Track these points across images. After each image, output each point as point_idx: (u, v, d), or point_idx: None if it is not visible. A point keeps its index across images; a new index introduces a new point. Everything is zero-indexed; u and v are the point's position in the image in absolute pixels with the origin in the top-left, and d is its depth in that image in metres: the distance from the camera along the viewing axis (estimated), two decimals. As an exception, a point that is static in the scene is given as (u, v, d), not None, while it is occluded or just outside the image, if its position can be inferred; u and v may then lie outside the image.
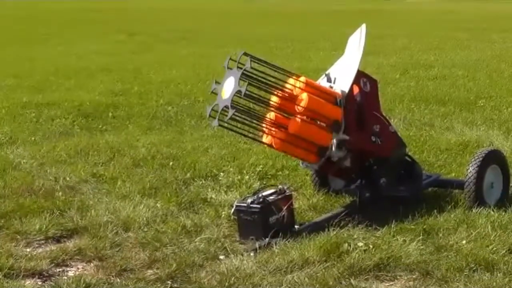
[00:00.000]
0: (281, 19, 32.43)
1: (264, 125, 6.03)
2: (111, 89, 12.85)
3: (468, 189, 6.23)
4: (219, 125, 5.88)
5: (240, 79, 5.79)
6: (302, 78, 6.10)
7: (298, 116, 5.95)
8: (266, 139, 6.13)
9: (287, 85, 6.10)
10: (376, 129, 6.28)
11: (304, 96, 5.94)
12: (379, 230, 5.78)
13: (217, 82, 6.06)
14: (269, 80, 5.97)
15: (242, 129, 6.06)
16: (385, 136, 6.33)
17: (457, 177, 7.00)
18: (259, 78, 5.89)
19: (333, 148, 6.03)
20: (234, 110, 5.73)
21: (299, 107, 5.94)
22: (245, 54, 5.90)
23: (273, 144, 6.08)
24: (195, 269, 5.21)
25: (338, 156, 6.09)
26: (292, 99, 6.01)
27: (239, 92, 5.74)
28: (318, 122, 6.03)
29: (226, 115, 5.77)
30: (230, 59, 5.99)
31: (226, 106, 5.76)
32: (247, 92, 5.74)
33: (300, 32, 25.37)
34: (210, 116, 5.96)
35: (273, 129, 6.03)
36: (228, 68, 5.99)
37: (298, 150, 6.06)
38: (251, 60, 5.84)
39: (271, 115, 6.07)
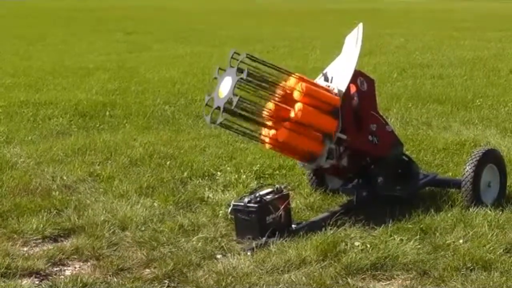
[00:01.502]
0: (279, 19, 32.43)
1: (260, 126, 6.02)
2: (108, 88, 12.84)
3: (465, 188, 6.23)
4: (216, 124, 5.87)
5: (235, 86, 5.75)
6: (303, 85, 6.03)
7: (288, 126, 5.90)
8: (262, 138, 6.12)
9: (284, 85, 6.08)
10: (373, 129, 6.29)
11: (299, 106, 5.89)
12: (376, 229, 5.78)
13: (209, 95, 6.04)
14: (266, 80, 5.96)
15: (239, 129, 6.06)
16: (382, 135, 6.34)
17: (454, 177, 7.00)
18: (256, 78, 5.87)
19: (323, 158, 6.06)
20: (238, 98, 5.68)
21: (292, 116, 5.90)
22: (236, 53, 5.89)
23: (269, 144, 6.07)
24: (192, 269, 5.21)
25: (328, 164, 6.13)
26: (288, 100, 5.98)
27: (240, 80, 5.71)
28: (311, 132, 6.00)
29: (223, 115, 5.76)
30: (232, 57, 5.97)
31: (218, 108, 5.75)
32: (247, 83, 5.73)
33: (298, 31, 25.37)
34: (207, 104, 5.94)
35: (269, 129, 6.02)
36: (230, 66, 5.96)
37: (294, 149, 6.05)
38: (248, 58, 5.83)
39: (267, 114, 6.05)
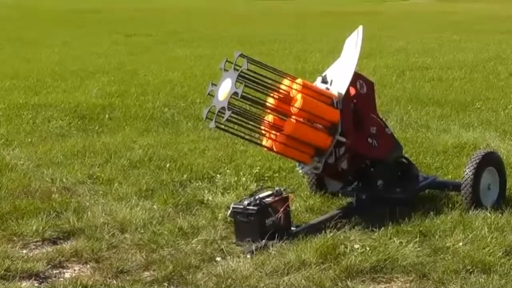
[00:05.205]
0: (278, 20, 32.43)
1: (261, 127, 6.03)
2: (107, 90, 12.83)
3: (465, 191, 6.23)
4: (216, 126, 5.89)
5: (236, 80, 5.79)
6: (299, 80, 6.10)
7: (294, 117, 5.95)
8: (262, 141, 6.13)
9: (284, 87, 6.09)
10: (373, 131, 6.29)
11: (299, 97, 5.94)
12: (375, 232, 5.78)
13: (213, 84, 6.06)
14: (266, 82, 5.98)
15: (239, 131, 6.07)
16: (382, 138, 6.34)
17: (454, 179, 7.00)
18: (256, 80, 5.90)
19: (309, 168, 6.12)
20: (230, 111, 5.73)
21: (294, 108, 5.94)
22: (242, 55, 5.91)
23: (270, 146, 6.08)
24: (192, 271, 5.21)
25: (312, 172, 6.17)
26: (288, 100, 6.01)
27: (235, 94, 5.74)
28: (315, 124, 6.03)
29: (223, 117, 5.77)
30: (227, 60, 6.00)
31: (222, 108, 5.76)
32: (243, 94, 5.75)
33: (298, 33, 25.37)
34: (207, 117, 5.97)
35: (270, 131, 6.03)
36: (224, 70, 5.99)
37: (295, 152, 6.06)
38: (248, 62, 5.84)
39: (268, 117, 6.07)
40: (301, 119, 5.97)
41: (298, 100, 5.93)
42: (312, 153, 6.07)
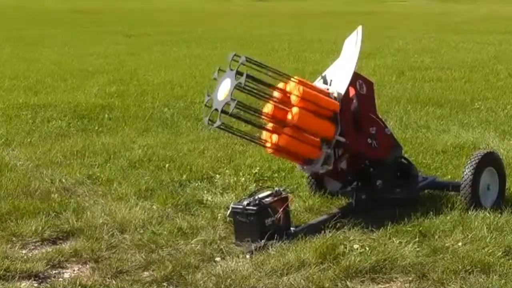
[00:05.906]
0: (278, 21, 32.44)
1: (265, 118, 6.01)
2: (107, 90, 12.83)
3: (464, 191, 6.23)
4: (218, 126, 5.83)
5: (236, 78, 5.78)
6: (295, 78, 6.07)
7: (288, 129, 5.91)
8: (265, 143, 6.11)
9: (281, 83, 6.08)
10: (372, 131, 6.29)
11: (297, 88, 5.91)
12: (375, 232, 5.79)
13: (208, 95, 6.05)
14: (265, 83, 5.97)
15: (239, 131, 6.07)
16: (381, 138, 6.34)
17: (453, 179, 7.00)
18: (255, 81, 5.89)
19: (319, 163, 6.06)
20: (235, 102, 5.68)
21: (294, 97, 5.90)
22: (236, 56, 5.91)
23: (274, 144, 6.04)
24: (191, 271, 5.21)
25: (324, 169, 6.12)
26: (288, 95, 5.98)
27: (239, 84, 5.72)
28: (309, 137, 6.00)
29: (224, 117, 5.76)
30: (219, 69, 6.01)
31: (227, 103, 5.73)
32: (246, 86, 5.74)
33: (297, 33, 25.38)
34: (208, 124, 5.93)
35: (268, 132, 6.02)
36: (219, 77, 5.98)
37: (302, 145, 6.01)
38: (246, 59, 5.84)
39: (269, 111, 6.04)
40: (303, 107, 5.92)
41: (298, 91, 5.91)
42: (319, 145, 6.02)
